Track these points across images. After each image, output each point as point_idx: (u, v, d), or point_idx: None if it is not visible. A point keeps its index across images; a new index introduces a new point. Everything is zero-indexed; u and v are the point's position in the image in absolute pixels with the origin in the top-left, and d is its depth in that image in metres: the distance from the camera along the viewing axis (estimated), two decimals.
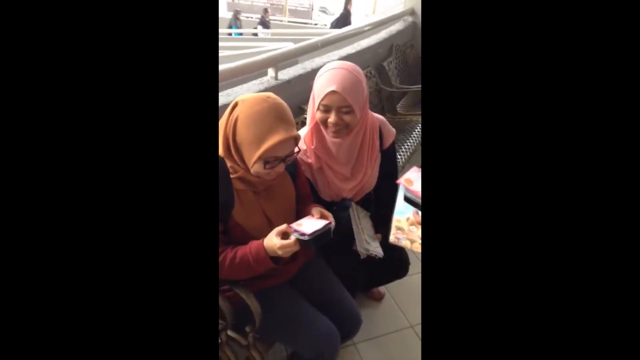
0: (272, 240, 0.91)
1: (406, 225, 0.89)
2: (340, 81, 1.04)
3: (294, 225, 0.93)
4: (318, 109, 1.08)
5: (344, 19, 6.94)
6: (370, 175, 1.24)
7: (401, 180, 0.90)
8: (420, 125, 2.44)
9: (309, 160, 1.19)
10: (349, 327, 1.12)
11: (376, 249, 1.20)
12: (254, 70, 1.70)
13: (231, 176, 0.96)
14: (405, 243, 0.91)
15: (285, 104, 0.95)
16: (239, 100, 0.93)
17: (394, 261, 1.32)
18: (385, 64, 2.77)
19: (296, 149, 0.98)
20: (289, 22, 11.41)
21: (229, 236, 1.01)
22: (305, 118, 1.60)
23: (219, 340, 1.08)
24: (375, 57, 2.74)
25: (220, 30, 6.24)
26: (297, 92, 1.81)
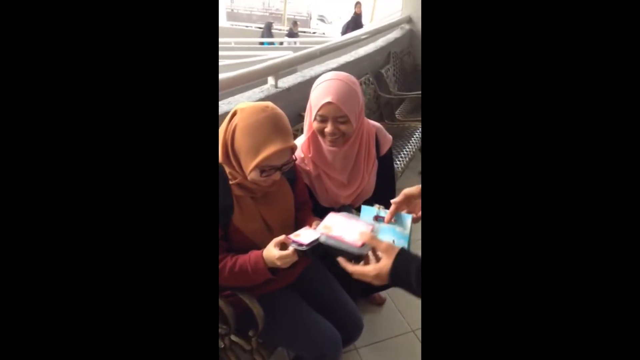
0: (271, 252, 0.93)
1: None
2: (336, 92, 1.07)
3: (292, 236, 0.95)
4: (315, 119, 1.11)
5: (354, 22, 7.02)
6: (367, 182, 1.26)
7: (320, 229, 0.82)
8: (418, 131, 2.47)
9: (307, 168, 1.22)
10: (350, 331, 1.13)
11: None
12: (254, 79, 1.73)
13: (230, 182, 0.99)
14: None
15: (283, 114, 0.97)
16: (238, 109, 0.95)
17: None
18: (383, 71, 2.80)
19: (293, 157, 1.00)
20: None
21: (229, 242, 1.03)
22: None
23: (222, 345, 1.09)
24: (373, 65, 2.77)
25: (224, 40, 6.33)
26: (296, 99, 1.84)
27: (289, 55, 2.14)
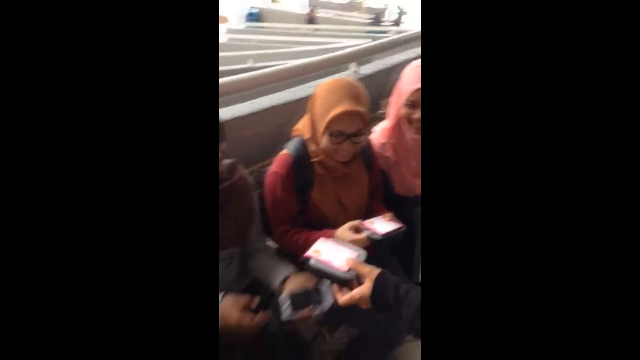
0: (345, 233, 0.95)
1: None
2: None
3: (367, 223, 0.96)
4: (405, 104, 1.11)
5: None
6: None
7: (309, 254, 0.82)
8: None
9: (387, 154, 1.23)
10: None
11: None
12: (335, 65, 1.76)
13: (312, 160, 1.03)
14: None
15: (359, 84, 1.00)
16: (319, 84, 1.01)
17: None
18: None
19: (365, 132, 1.00)
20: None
21: (306, 217, 1.08)
22: (382, 114, 1.62)
23: None
24: None
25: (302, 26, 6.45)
26: (375, 87, 1.84)
27: (369, 43, 2.14)
